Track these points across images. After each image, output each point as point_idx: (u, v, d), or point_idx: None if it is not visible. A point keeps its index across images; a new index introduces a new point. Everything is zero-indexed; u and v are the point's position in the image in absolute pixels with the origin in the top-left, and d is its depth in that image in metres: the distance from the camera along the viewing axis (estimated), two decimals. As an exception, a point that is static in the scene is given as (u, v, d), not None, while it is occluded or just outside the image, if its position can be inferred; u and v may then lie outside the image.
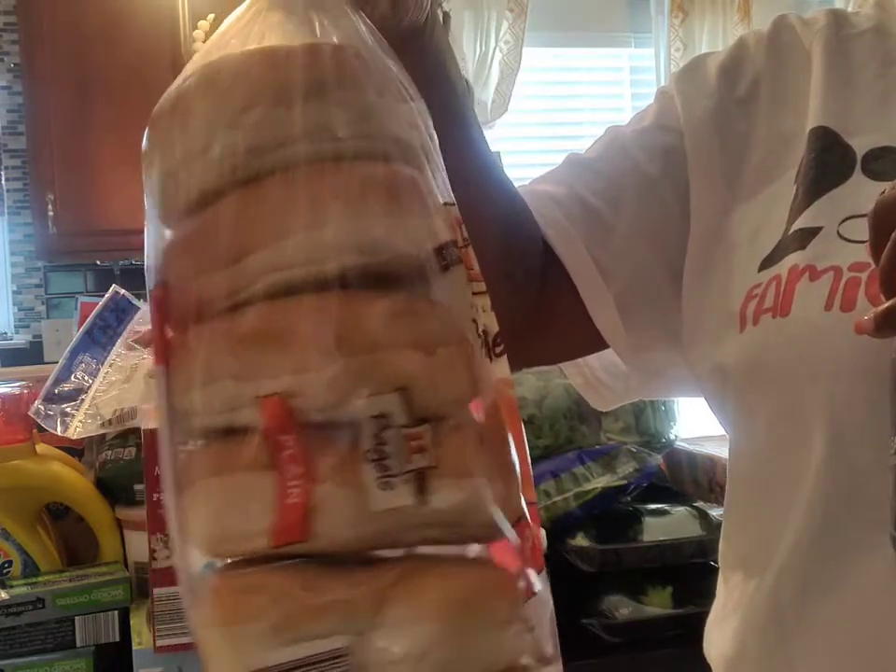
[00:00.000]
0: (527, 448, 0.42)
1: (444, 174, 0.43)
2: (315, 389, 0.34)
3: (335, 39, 0.39)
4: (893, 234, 0.45)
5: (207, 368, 0.35)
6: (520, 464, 0.40)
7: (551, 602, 0.45)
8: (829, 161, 0.63)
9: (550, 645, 0.43)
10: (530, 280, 0.71)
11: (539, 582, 0.43)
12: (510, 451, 0.39)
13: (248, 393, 0.34)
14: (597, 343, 0.74)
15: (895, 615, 0.55)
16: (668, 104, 0.73)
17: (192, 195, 0.38)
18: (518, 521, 0.39)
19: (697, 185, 0.69)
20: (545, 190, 0.72)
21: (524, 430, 0.43)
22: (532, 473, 0.44)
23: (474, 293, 0.40)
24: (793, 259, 0.60)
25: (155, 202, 0.40)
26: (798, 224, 0.61)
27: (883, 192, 0.47)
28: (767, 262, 0.62)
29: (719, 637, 0.69)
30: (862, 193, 0.59)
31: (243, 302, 0.36)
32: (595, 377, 0.82)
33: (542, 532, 0.48)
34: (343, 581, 0.34)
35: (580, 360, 0.82)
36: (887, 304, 0.46)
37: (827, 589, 0.58)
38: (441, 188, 0.41)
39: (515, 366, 0.47)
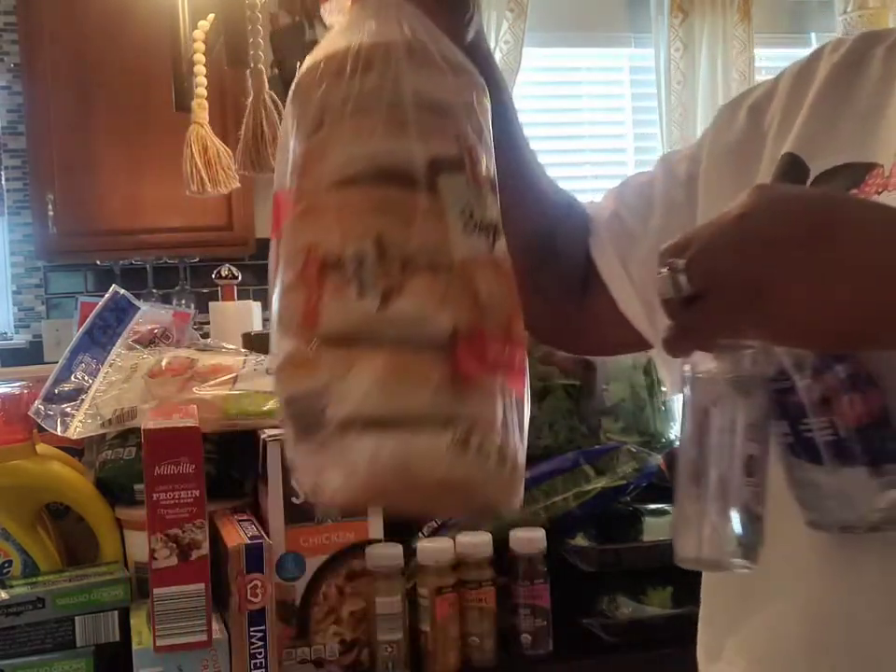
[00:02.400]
0: (517, 297, 0.61)
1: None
2: (332, 244, 0.57)
3: (408, 33, 0.60)
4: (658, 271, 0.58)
5: (288, 230, 0.60)
6: (509, 298, 0.60)
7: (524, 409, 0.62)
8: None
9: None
10: (574, 274, 0.87)
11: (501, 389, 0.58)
12: (480, 293, 0.57)
13: (300, 245, 0.58)
14: (638, 341, 0.88)
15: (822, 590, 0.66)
16: (703, 137, 0.86)
17: (312, 126, 0.60)
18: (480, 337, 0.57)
19: (703, 206, 0.81)
20: (595, 209, 0.89)
21: (515, 288, 0.61)
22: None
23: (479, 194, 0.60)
24: None
25: (300, 125, 0.61)
26: None
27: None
28: None
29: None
30: None
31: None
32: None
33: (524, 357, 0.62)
34: (331, 354, 0.55)
35: None
36: (664, 329, 0.59)
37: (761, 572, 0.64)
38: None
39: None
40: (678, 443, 0.65)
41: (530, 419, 1.16)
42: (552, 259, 0.87)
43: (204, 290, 3.68)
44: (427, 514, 1.09)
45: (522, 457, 0.63)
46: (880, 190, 0.67)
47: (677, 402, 1.34)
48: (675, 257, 0.57)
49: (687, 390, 0.61)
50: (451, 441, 0.54)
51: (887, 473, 0.59)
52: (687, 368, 0.61)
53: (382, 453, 0.53)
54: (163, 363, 1.23)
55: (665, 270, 0.58)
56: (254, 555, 1.00)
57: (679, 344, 0.60)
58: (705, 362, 0.60)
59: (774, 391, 0.61)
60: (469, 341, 0.56)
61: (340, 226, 0.57)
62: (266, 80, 1.72)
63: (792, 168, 0.73)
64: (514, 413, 0.60)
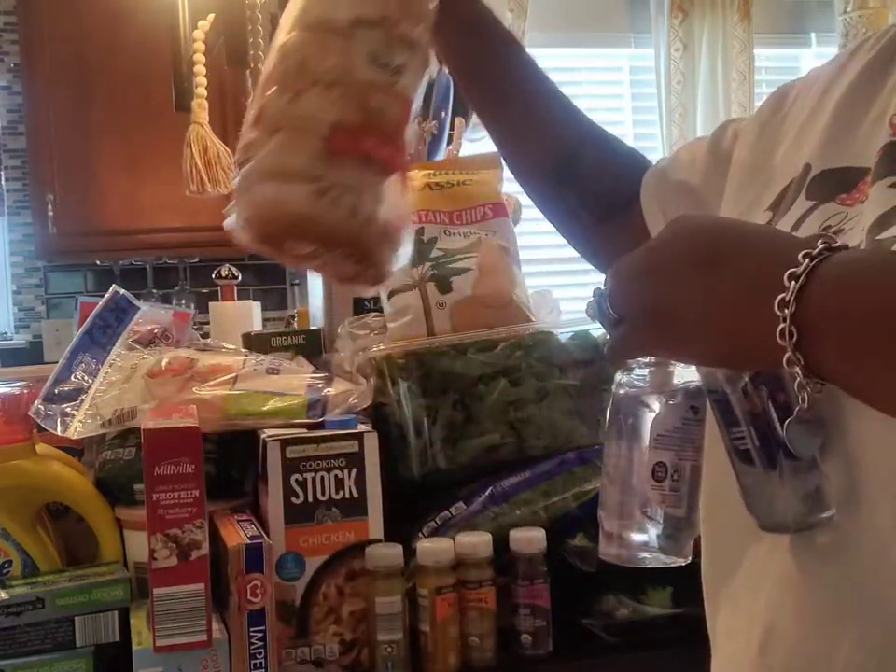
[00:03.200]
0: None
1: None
2: (271, 67, 0.82)
3: None
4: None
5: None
6: (398, 114, 0.82)
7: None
8: (789, 192, 0.75)
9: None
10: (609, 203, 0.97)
11: None
12: (370, 104, 0.80)
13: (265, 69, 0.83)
14: None
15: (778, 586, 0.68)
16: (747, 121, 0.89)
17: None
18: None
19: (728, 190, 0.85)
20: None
21: (409, 109, 0.83)
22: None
23: None
24: None
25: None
26: None
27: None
28: None
29: None
30: (797, 213, 0.72)
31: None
32: None
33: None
34: (261, 136, 0.81)
35: None
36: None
37: (727, 572, 0.72)
38: None
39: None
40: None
41: (531, 419, 1.23)
42: (570, 181, 0.97)
43: (204, 290, 3.68)
44: (299, 255, 1.01)
45: (382, 219, 0.80)
46: (863, 200, 0.68)
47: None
48: (604, 284, 0.65)
49: (610, 401, 0.69)
50: (311, 190, 0.77)
51: (800, 477, 0.64)
52: (617, 379, 0.69)
53: (266, 193, 0.79)
54: (163, 363, 1.23)
55: (593, 296, 0.65)
56: (254, 555, 1.01)
57: (612, 360, 0.67)
58: (630, 376, 0.68)
59: (714, 402, 0.66)
60: (348, 131, 0.80)
61: (282, 54, 0.82)
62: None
63: (804, 177, 0.74)
64: (389, 194, 0.81)
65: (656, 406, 0.67)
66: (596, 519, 1.18)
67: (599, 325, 0.67)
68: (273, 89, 0.82)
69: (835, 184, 0.71)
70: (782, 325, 0.55)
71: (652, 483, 0.66)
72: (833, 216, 0.69)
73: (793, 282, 0.55)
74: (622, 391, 0.68)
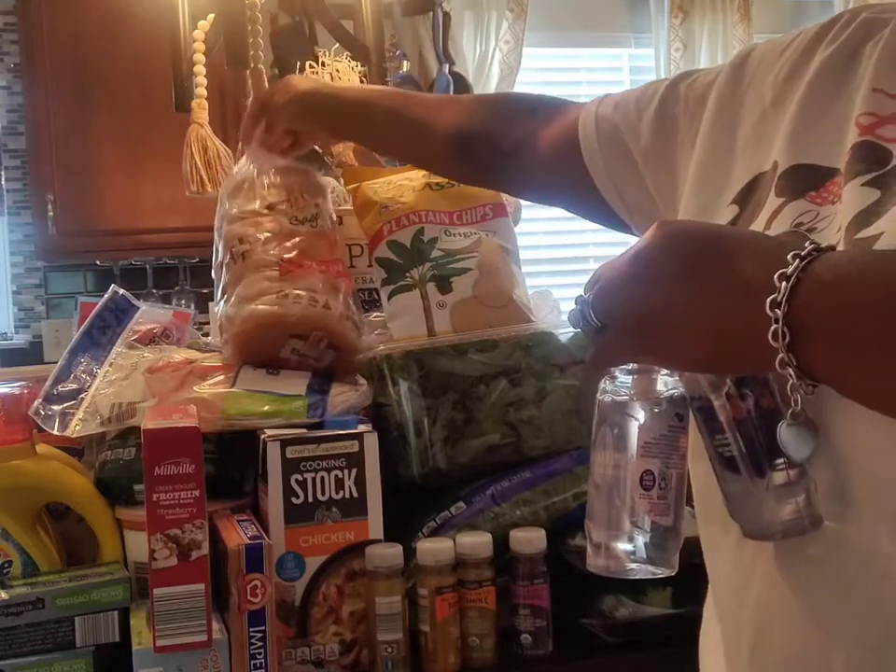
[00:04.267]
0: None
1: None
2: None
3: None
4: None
5: None
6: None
7: None
8: (757, 188, 0.75)
9: None
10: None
11: None
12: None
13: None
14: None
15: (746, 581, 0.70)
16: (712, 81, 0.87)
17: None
18: None
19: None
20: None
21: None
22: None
23: None
24: None
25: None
26: None
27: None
28: None
29: None
30: (768, 211, 0.72)
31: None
32: None
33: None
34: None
35: None
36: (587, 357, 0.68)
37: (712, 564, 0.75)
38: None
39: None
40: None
41: (531, 419, 1.23)
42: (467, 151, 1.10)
43: (204, 290, 3.68)
44: (284, 358, 1.24)
45: (338, 307, 1.21)
46: (834, 201, 0.68)
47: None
48: (585, 292, 0.65)
49: (595, 410, 0.68)
50: (274, 298, 1.19)
51: (788, 484, 0.64)
52: (602, 387, 0.68)
53: (243, 312, 1.19)
54: (162, 360, 1.23)
55: (575, 304, 0.65)
56: (254, 555, 1.01)
57: (596, 367, 0.67)
58: (614, 383, 0.67)
59: (697, 409, 0.66)
60: (290, 261, 1.22)
61: (225, 241, 1.29)
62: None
63: (763, 178, 0.74)
64: (338, 291, 1.23)
65: (642, 414, 0.66)
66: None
67: (582, 332, 0.66)
68: (227, 261, 1.23)
69: (804, 181, 0.71)
70: (774, 326, 0.55)
71: (640, 491, 0.66)
72: (805, 213, 0.69)
73: (784, 282, 0.55)
74: (607, 399, 0.68)
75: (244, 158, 1.32)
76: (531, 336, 1.27)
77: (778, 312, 0.55)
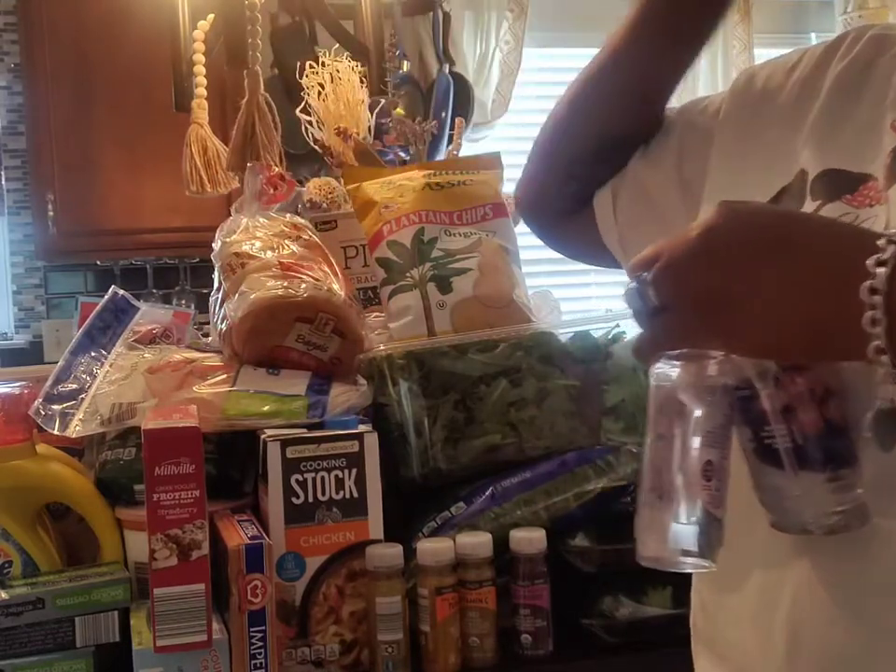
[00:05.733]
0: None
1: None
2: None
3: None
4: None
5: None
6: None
7: None
8: (787, 196, 0.74)
9: None
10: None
11: None
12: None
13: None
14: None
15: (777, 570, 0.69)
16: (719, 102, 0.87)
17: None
18: None
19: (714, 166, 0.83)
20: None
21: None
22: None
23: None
24: None
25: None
26: None
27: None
28: None
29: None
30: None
31: None
32: None
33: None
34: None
35: None
36: (634, 338, 0.62)
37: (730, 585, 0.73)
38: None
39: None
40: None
41: (531, 419, 1.22)
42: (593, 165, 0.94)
43: (204, 290, 3.68)
44: (289, 347, 1.23)
45: (340, 293, 1.24)
46: (872, 203, 0.68)
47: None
48: (643, 270, 0.60)
49: (651, 397, 0.65)
50: (280, 284, 1.21)
51: (840, 478, 0.62)
52: (654, 373, 0.64)
53: (250, 297, 1.21)
54: (162, 360, 1.23)
55: (632, 282, 0.61)
56: (254, 555, 1.00)
57: (646, 353, 0.63)
58: (670, 369, 0.63)
59: (738, 399, 0.64)
60: (289, 258, 1.28)
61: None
62: (262, 82, 1.71)
63: (801, 180, 0.74)
64: (340, 282, 1.27)
65: (701, 402, 0.63)
66: (596, 519, 1.18)
67: (633, 314, 0.62)
68: (226, 274, 1.29)
69: (837, 184, 0.70)
70: (871, 312, 0.53)
71: (702, 482, 0.62)
72: (844, 214, 0.68)
73: (882, 268, 0.53)
74: (666, 385, 0.63)
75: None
76: (531, 336, 1.27)
77: (877, 298, 0.53)
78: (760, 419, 0.63)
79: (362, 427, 1.13)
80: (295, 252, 1.29)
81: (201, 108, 1.87)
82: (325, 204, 1.60)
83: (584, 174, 0.92)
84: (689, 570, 0.65)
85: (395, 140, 1.79)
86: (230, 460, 1.18)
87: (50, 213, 3.56)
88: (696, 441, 0.62)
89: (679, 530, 0.62)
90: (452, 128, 1.90)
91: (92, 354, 1.31)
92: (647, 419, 0.65)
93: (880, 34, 0.77)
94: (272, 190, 1.44)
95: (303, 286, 1.22)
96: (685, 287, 0.59)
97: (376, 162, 1.65)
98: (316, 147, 1.71)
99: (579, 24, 4.08)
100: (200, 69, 1.85)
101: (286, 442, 1.08)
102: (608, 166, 0.91)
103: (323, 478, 1.08)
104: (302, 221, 1.41)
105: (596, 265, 1.06)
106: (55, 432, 1.18)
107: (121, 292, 1.41)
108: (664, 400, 0.64)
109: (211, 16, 1.85)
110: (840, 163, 0.71)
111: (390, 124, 1.80)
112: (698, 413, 0.63)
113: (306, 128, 1.72)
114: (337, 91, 1.69)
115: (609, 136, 0.91)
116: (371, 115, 1.72)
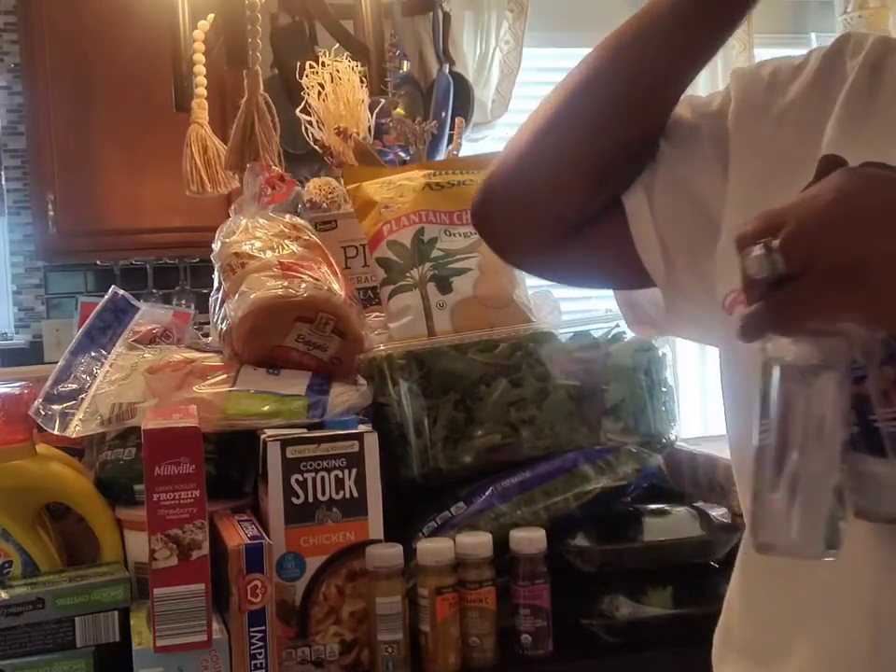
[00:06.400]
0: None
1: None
2: None
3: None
4: (746, 250, 0.56)
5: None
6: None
7: None
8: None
9: None
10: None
11: None
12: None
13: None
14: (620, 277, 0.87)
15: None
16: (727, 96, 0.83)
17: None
18: None
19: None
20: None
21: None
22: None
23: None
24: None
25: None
26: None
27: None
28: None
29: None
30: None
31: None
32: (643, 310, 0.92)
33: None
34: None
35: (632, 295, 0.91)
36: (744, 313, 0.56)
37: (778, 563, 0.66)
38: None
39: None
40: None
41: (531, 419, 1.22)
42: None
43: (204, 290, 3.68)
44: (289, 347, 1.24)
45: (341, 293, 1.24)
46: None
47: (676, 401, 1.34)
48: (765, 236, 0.55)
49: (774, 375, 0.58)
50: (280, 284, 1.22)
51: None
52: (770, 351, 0.58)
53: (251, 297, 1.21)
54: (162, 360, 1.23)
55: (758, 249, 0.55)
56: (254, 555, 1.00)
57: (761, 326, 0.57)
58: (784, 346, 0.58)
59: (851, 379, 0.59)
60: (289, 259, 1.28)
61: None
62: (261, 82, 1.71)
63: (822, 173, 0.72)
64: (341, 282, 1.27)
65: (835, 381, 0.58)
66: (596, 519, 1.18)
67: (747, 285, 0.56)
68: (226, 274, 1.30)
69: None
70: None
71: (839, 465, 0.57)
72: None
73: None
74: (798, 362, 0.57)
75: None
76: (531, 336, 1.27)
77: None
78: (864, 401, 0.59)
79: (362, 427, 1.13)
80: (295, 252, 1.29)
81: (201, 108, 1.87)
82: (325, 204, 1.60)
83: (617, 178, 0.82)
84: (814, 559, 0.59)
85: (395, 140, 1.79)
86: (230, 460, 1.18)
87: (50, 213, 3.56)
88: (835, 421, 0.58)
89: (810, 517, 0.58)
90: (452, 128, 1.90)
91: (92, 354, 1.31)
92: (763, 398, 0.59)
93: (882, 36, 0.77)
94: (269, 190, 1.44)
95: (303, 285, 1.22)
96: (821, 252, 0.54)
97: (376, 162, 1.65)
98: (316, 147, 1.71)
99: (579, 24, 4.08)
100: (200, 69, 1.85)
101: (286, 442, 1.08)
102: (639, 167, 0.82)
103: (323, 478, 1.08)
104: (302, 222, 1.41)
105: (596, 286, 0.98)
106: (55, 432, 1.18)
107: (121, 292, 1.41)
108: (793, 378, 0.58)
109: (211, 16, 1.85)
110: (874, 156, 0.70)
111: (390, 124, 1.80)
112: (833, 391, 0.58)
113: (306, 128, 1.72)
114: (337, 91, 1.69)
115: (649, 131, 0.82)
116: (371, 115, 1.72)
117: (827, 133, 0.74)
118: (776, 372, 0.58)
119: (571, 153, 0.82)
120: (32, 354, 3.76)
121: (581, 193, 0.82)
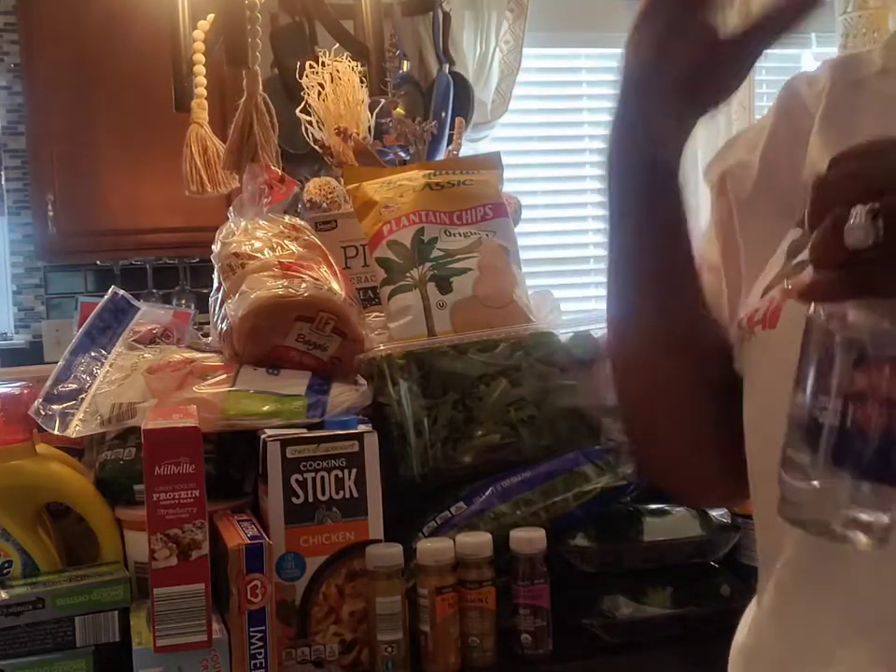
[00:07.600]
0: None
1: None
2: None
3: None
4: (828, 216, 0.51)
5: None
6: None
7: None
8: None
9: None
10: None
11: None
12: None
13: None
14: None
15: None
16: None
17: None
18: None
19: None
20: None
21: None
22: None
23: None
24: (785, 283, 0.69)
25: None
26: (797, 259, 0.70)
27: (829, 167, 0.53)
28: (767, 290, 0.72)
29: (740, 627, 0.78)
30: None
31: None
32: None
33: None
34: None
35: None
36: (811, 280, 0.53)
37: (818, 580, 0.67)
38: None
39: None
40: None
41: (531, 419, 1.21)
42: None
43: (204, 290, 3.67)
44: (289, 347, 1.24)
45: (341, 292, 1.25)
46: None
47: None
48: (865, 200, 0.51)
49: (838, 341, 0.54)
50: (280, 283, 1.22)
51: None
52: (830, 320, 0.54)
53: (251, 296, 1.21)
54: (162, 360, 1.23)
55: (859, 216, 0.52)
56: (254, 555, 1.01)
57: (835, 291, 0.53)
58: (844, 314, 0.54)
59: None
60: (287, 259, 1.29)
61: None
62: (261, 82, 1.71)
63: None
64: (341, 281, 1.29)
65: None
66: (596, 519, 1.18)
67: (852, 253, 0.52)
68: (226, 275, 1.30)
69: None
70: None
71: None
72: None
73: None
74: (884, 329, 0.53)
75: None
76: (531, 336, 1.27)
77: None
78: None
79: (362, 427, 1.13)
80: (295, 252, 1.29)
81: (201, 108, 1.87)
82: (325, 204, 1.60)
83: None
84: (862, 548, 0.55)
85: (395, 140, 1.79)
86: (230, 460, 1.18)
87: (50, 213, 3.56)
88: None
89: (887, 501, 0.53)
90: (452, 128, 1.90)
91: (92, 354, 1.31)
92: (814, 367, 0.55)
93: (840, 57, 0.78)
94: (268, 190, 1.44)
95: (304, 285, 1.22)
96: None
97: (376, 162, 1.65)
98: (316, 147, 1.71)
99: (579, 24, 4.09)
100: (200, 69, 1.85)
101: (286, 442, 1.08)
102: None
103: (323, 478, 1.08)
104: (302, 223, 1.41)
105: None
106: (55, 432, 1.19)
107: (121, 292, 1.41)
108: (859, 349, 0.53)
109: (211, 16, 1.85)
110: None
111: (390, 124, 1.80)
112: None
113: (306, 128, 1.72)
114: (337, 91, 1.69)
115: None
116: (371, 115, 1.72)
117: (809, 151, 0.73)
118: (835, 339, 0.54)
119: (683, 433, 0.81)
120: (32, 354, 3.76)
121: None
